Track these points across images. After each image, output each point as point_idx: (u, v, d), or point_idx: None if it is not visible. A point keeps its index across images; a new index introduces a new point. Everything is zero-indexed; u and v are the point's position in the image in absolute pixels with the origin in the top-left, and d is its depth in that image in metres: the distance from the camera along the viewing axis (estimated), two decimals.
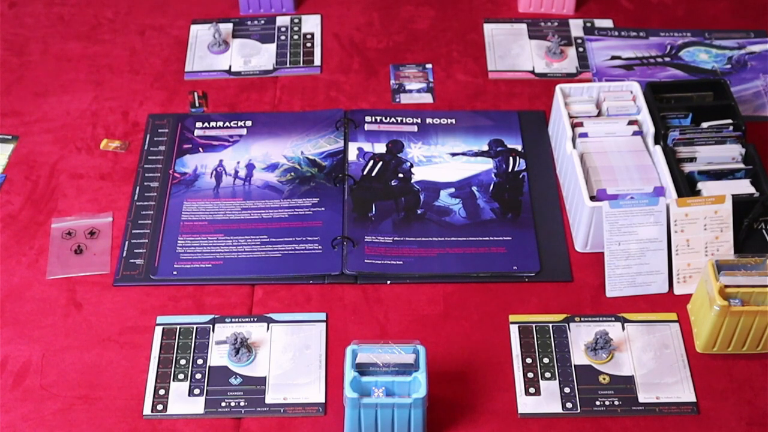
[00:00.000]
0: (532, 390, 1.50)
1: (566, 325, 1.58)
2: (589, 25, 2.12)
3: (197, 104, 1.96)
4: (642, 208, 1.61)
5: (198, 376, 1.52)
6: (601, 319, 1.59)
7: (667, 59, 2.04)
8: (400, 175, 1.81)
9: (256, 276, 1.65)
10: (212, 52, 2.06)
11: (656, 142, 1.74)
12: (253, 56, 2.05)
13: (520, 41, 2.08)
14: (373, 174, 1.81)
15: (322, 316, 1.60)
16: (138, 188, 1.79)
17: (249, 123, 1.91)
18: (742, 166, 1.70)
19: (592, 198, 1.65)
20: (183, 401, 1.49)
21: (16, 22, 2.14)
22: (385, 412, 1.37)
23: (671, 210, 1.61)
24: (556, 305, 1.61)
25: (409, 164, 1.83)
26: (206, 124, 1.91)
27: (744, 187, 1.66)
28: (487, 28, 2.12)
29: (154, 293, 1.63)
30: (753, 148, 1.71)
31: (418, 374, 1.37)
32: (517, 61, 2.04)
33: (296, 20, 2.13)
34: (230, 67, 2.03)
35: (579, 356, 1.54)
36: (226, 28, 2.10)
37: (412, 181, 1.80)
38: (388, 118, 1.91)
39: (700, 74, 2.00)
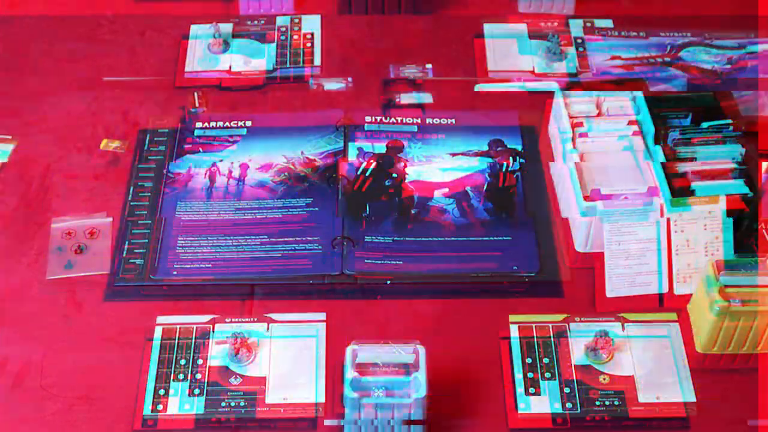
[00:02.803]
0: (532, 390, 1.50)
1: (566, 325, 1.58)
2: (589, 25, 2.12)
3: (197, 104, 1.96)
4: (641, 208, 1.60)
5: (198, 376, 1.52)
6: (601, 319, 1.59)
7: (667, 59, 2.04)
8: (394, 175, 1.81)
9: (256, 276, 1.65)
10: (212, 52, 2.06)
11: (656, 142, 1.74)
12: (253, 56, 2.05)
13: (520, 41, 2.08)
14: (367, 174, 1.81)
15: (322, 316, 1.60)
16: (137, 189, 1.79)
17: (249, 123, 1.91)
18: (741, 166, 1.70)
19: (591, 198, 1.65)
20: (183, 401, 1.49)
21: (16, 22, 2.14)
22: (385, 412, 1.37)
23: (671, 210, 1.60)
24: (556, 305, 1.61)
25: (402, 164, 1.82)
26: (206, 124, 1.91)
27: (744, 187, 1.66)
28: (487, 28, 2.12)
29: (153, 293, 1.63)
30: (753, 148, 1.71)
31: (418, 374, 1.37)
32: (517, 61, 2.04)
33: (296, 20, 2.13)
34: (230, 67, 2.03)
35: (579, 356, 1.54)
36: (226, 28, 2.10)
37: (407, 180, 1.80)
38: (388, 118, 1.91)
39: (699, 74, 1.99)
